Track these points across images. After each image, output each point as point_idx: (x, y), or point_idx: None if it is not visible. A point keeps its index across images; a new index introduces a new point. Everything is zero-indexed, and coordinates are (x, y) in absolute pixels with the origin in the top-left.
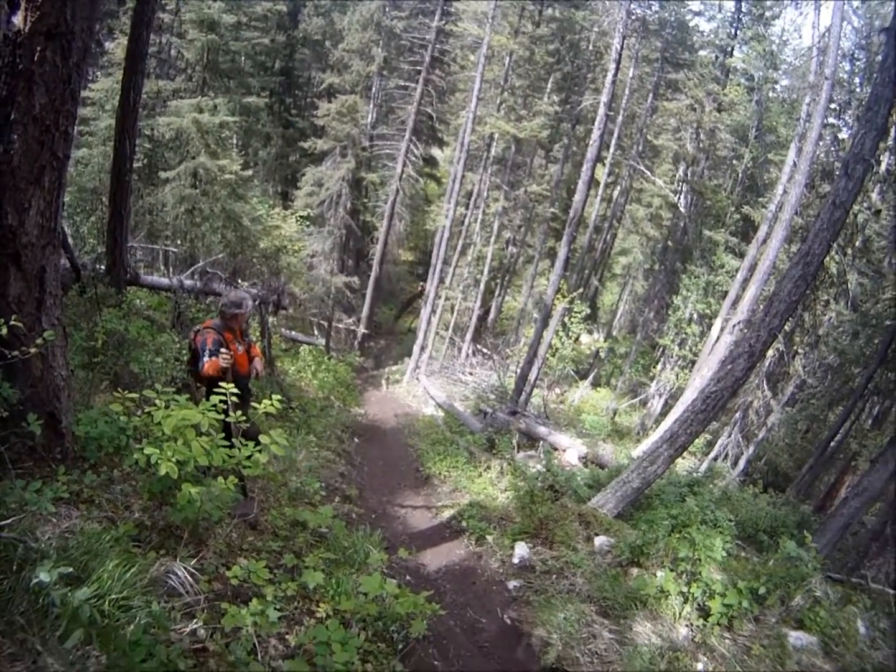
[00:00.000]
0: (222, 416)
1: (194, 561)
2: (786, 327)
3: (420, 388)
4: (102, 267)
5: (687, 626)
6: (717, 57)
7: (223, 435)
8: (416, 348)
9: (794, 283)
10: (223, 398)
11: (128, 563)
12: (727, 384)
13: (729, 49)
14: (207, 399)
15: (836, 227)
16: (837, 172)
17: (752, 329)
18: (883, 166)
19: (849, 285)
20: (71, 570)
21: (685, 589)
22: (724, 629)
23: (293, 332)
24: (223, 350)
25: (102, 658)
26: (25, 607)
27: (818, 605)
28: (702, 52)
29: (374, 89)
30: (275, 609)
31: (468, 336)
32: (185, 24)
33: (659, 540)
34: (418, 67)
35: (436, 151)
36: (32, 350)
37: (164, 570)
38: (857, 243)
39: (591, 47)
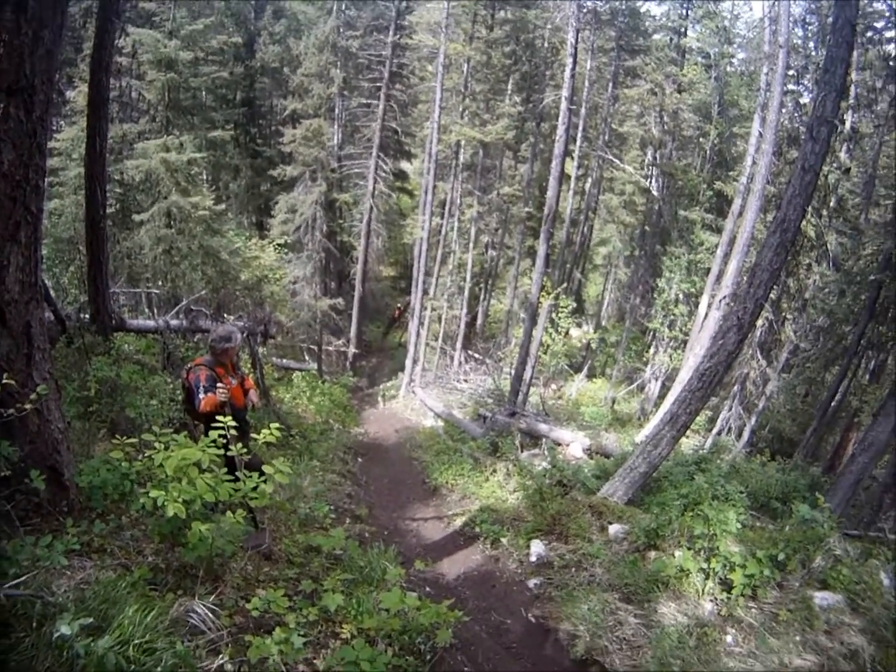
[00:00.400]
0: (223, 451)
1: (213, 597)
2: (771, 295)
3: (417, 401)
4: (87, 316)
5: (711, 601)
6: (671, 39)
7: (226, 469)
8: (408, 362)
9: (774, 251)
10: (222, 432)
11: (147, 606)
12: (721, 359)
13: (682, 30)
14: (206, 436)
15: (808, 191)
16: (803, 137)
17: (739, 302)
18: (847, 125)
19: (829, 246)
20: (91, 620)
21: (705, 565)
22: (749, 599)
23: (284, 361)
24: (219, 385)
25: None
26: (50, 663)
27: (839, 563)
28: (656, 37)
29: (336, 110)
30: (299, 635)
31: (458, 344)
32: (143, 65)
33: (673, 521)
34: (378, 84)
35: (405, 165)
36: (27, 406)
37: (183, 609)
38: (831, 204)
39: (546, 44)
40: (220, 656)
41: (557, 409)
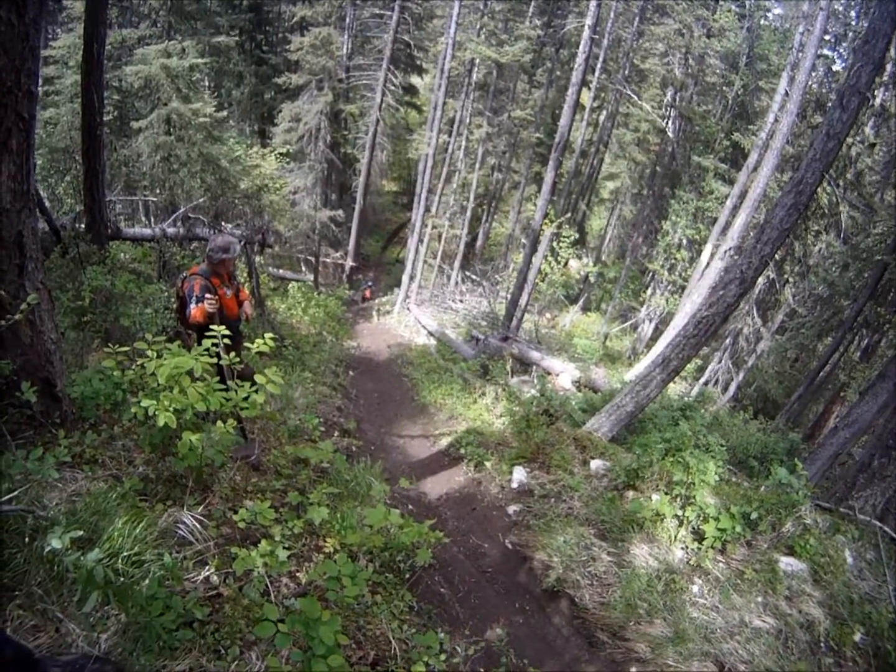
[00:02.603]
0: (215, 360)
1: (201, 508)
2: (776, 255)
3: (411, 318)
4: (82, 225)
5: (682, 548)
6: None
7: (218, 379)
8: (405, 278)
9: (787, 211)
10: (215, 342)
11: (136, 518)
12: (719, 309)
13: None
14: (199, 345)
15: (829, 158)
16: (831, 104)
17: (744, 256)
18: (878, 101)
19: (841, 217)
20: (81, 532)
21: (680, 512)
22: (718, 553)
23: (281, 271)
24: (208, 295)
25: (122, 617)
26: (42, 577)
27: (808, 532)
28: None
29: (347, 19)
30: (283, 548)
31: (457, 263)
32: None
33: (653, 463)
34: None
35: (415, 80)
36: (18, 317)
37: (172, 520)
38: (849, 176)
39: None
40: (207, 567)
41: (550, 338)
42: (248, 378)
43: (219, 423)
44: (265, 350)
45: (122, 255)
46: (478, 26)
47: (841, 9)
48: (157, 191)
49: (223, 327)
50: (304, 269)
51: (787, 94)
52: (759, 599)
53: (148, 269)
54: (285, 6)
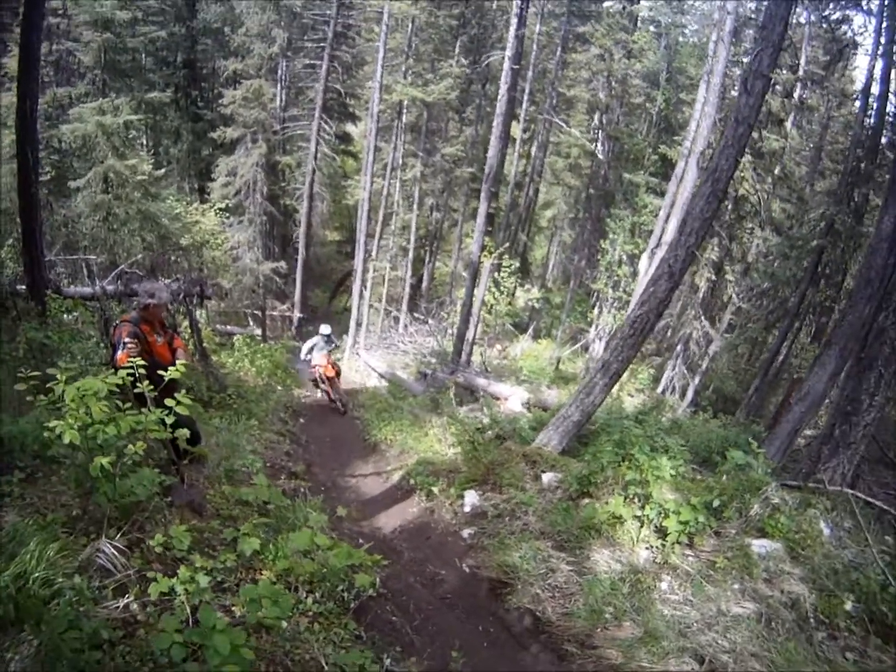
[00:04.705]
0: (119, 382)
1: (124, 539)
2: (714, 257)
3: (361, 363)
4: (23, 287)
5: (647, 548)
6: (624, 7)
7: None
8: (351, 324)
9: (706, 199)
10: (130, 371)
11: (50, 541)
12: (651, 306)
13: None
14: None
15: (741, 143)
16: (737, 90)
17: (670, 250)
18: (796, 96)
19: (772, 213)
20: None
21: (640, 512)
22: (686, 547)
23: (228, 327)
24: (127, 339)
25: (34, 641)
26: None
27: (777, 511)
28: (608, 3)
29: (280, 71)
30: (204, 575)
31: (404, 306)
32: (79, 26)
33: (605, 467)
34: (322, 44)
35: (350, 127)
36: None
37: (93, 550)
38: (775, 172)
39: (495, 5)
40: (127, 595)
41: (502, 368)
42: (184, 423)
43: (136, 444)
44: (176, 376)
45: (66, 315)
46: (403, 68)
47: (752, 13)
48: (98, 250)
49: (139, 358)
50: (251, 323)
51: (705, 99)
52: (736, 586)
53: (91, 328)
54: (219, 61)
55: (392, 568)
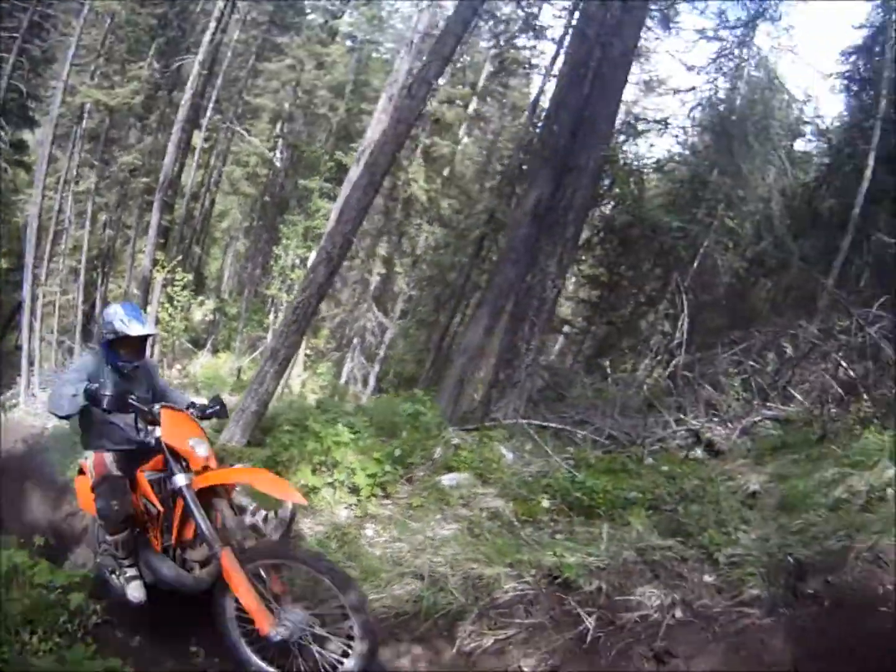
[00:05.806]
0: None
1: None
2: (384, 252)
3: (39, 405)
4: None
5: (346, 507)
6: (326, 21)
7: None
8: (24, 363)
9: (363, 190)
10: None
11: None
12: (312, 291)
13: (340, 13)
14: None
15: (399, 140)
16: (402, 93)
17: (328, 238)
18: (471, 108)
19: (440, 209)
20: None
21: (330, 479)
22: (382, 498)
23: None
24: None
25: None
26: None
27: (459, 449)
28: (312, 16)
29: None
30: None
31: (77, 336)
32: None
33: (288, 446)
34: (15, 35)
35: (27, 135)
36: None
37: None
38: (445, 173)
39: (199, 7)
40: None
41: (184, 387)
42: None
43: None
44: None
45: None
46: (93, 68)
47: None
48: None
49: None
50: None
51: (383, 110)
52: (438, 516)
53: None
54: None
55: None
